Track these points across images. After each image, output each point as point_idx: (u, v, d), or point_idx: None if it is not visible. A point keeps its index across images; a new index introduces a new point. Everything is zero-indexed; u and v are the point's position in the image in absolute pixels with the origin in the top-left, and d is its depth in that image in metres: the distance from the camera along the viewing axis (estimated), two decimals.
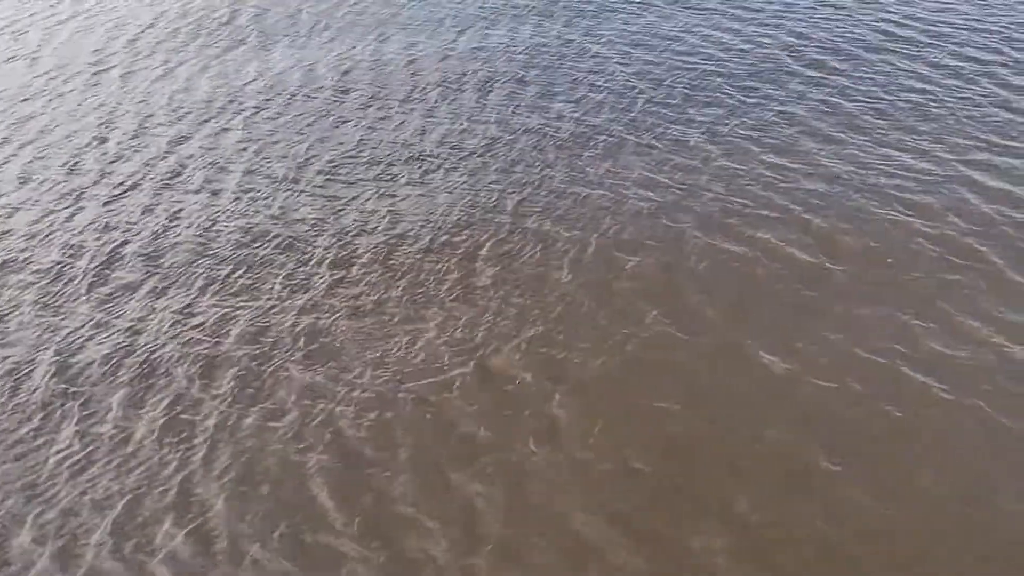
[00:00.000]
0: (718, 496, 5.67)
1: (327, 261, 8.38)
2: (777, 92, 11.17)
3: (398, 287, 7.94)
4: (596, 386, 6.66)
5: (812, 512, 5.50)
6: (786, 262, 7.90)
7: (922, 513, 5.47)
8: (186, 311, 7.87)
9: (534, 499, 5.74)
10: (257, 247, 8.73)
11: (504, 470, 5.98)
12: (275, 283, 8.13)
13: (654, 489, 5.77)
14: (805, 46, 12.52)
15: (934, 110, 10.37)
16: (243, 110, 11.81)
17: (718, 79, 11.70)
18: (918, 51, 12.03)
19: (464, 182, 9.64)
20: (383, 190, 9.64)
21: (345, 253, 8.52)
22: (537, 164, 9.90)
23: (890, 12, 13.38)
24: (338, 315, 7.66)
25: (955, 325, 6.97)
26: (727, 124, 10.52)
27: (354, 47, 13.65)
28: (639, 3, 14.48)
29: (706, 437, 6.15)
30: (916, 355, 6.70)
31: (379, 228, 8.90)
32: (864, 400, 6.33)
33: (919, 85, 11.00)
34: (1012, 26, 12.46)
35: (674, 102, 11.15)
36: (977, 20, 12.86)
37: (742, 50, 12.59)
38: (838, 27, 13.11)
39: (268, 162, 10.39)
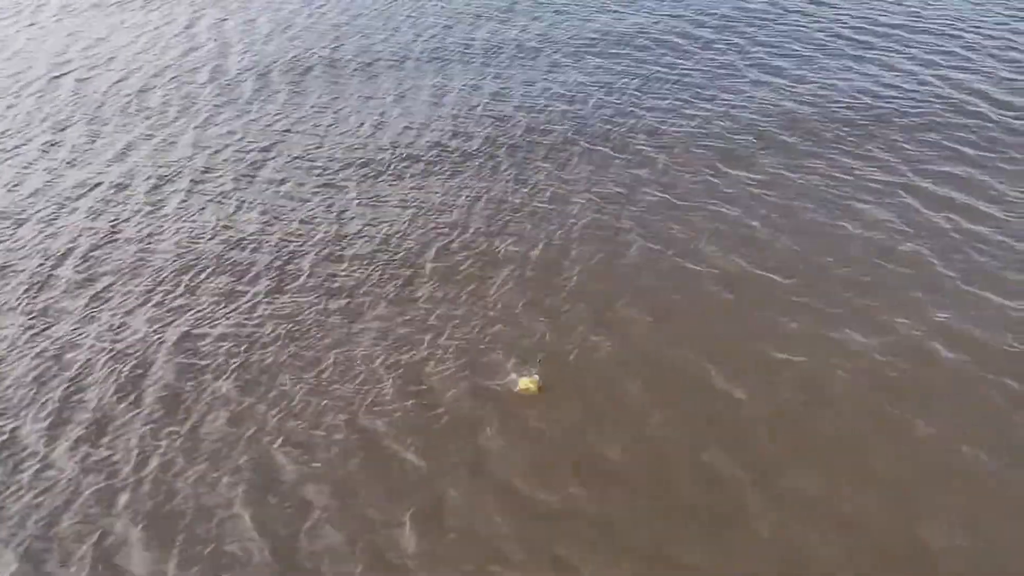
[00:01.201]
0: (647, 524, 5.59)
1: (267, 275, 8.22)
2: (723, 94, 11.22)
3: (336, 302, 7.79)
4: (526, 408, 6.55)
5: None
6: (720, 269, 7.87)
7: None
8: (119, 325, 7.67)
9: (454, 534, 5.57)
10: (198, 259, 8.58)
11: (431, 500, 5.83)
12: (210, 298, 7.98)
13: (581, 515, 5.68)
14: (753, 48, 12.57)
15: (882, 114, 10.40)
16: (196, 116, 11.69)
17: (666, 82, 11.68)
18: (866, 53, 12.09)
19: (412, 188, 9.55)
20: (328, 197, 9.52)
21: (288, 266, 8.35)
22: (487, 169, 9.84)
23: (842, 14, 13.46)
24: (273, 333, 7.49)
25: (884, 325, 6.99)
26: (672, 126, 10.53)
27: (311, 49, 13.53)
28: (593, 6, 14.53)
29: (638, 461, 6.03)
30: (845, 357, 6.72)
31: (323, 238, 8.76)
32: (787, 407, 6.32)
33: (868, 86, 11.03)
34: (966, 27, 12.58)
35: (622, 105, 11.14)
36: (927, 20, 12.98)
37: (688, 51, 12.62)
38: (788, 28, 13.16)
39: (212, 172, 10.22)
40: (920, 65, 11.57)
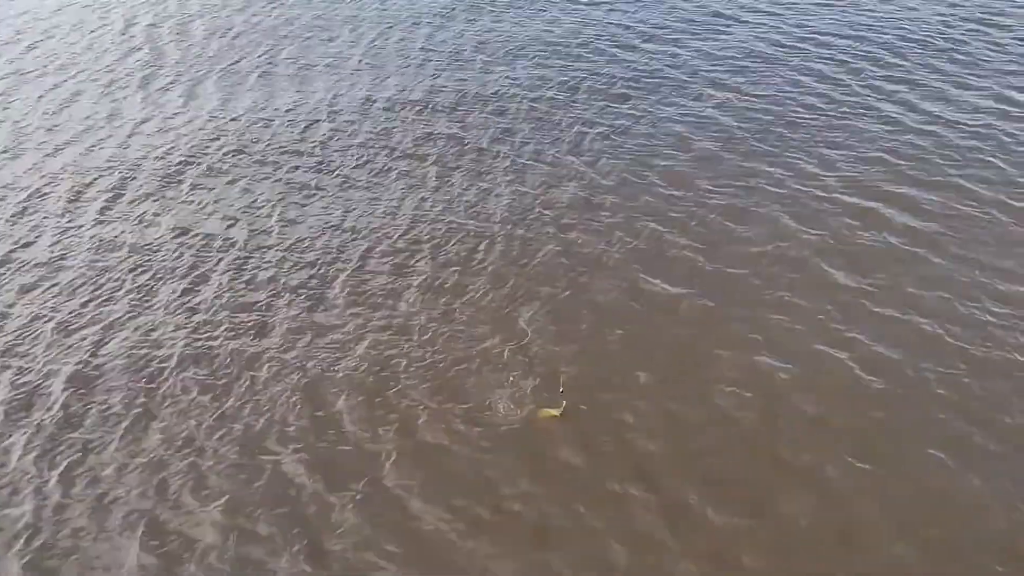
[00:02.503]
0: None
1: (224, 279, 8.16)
2: (656, 107, 11.19)
3: (286, 305, 7.76)
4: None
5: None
6: (627, 281, 7.88)
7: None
8: (64, 327, 7.63)
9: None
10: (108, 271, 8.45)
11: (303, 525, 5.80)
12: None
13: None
14: (683, 55, 12.62)
15: (810, 118, 10.46)
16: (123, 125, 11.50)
17: (593, 91, 11.71)
18: (803, 62, 12.12)
19: (332, 199, 9.45)
20: (280, 201, 9.50)
21: (242, 274, 8.33)
22: (408, 179, 9.78)
23: (783, 24, 13.51)
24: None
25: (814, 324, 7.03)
26: (598, 133, 10.57)
27: (249, 54, 13.41)
28: (534, 11, 14.49)
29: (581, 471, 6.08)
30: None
31: (275, 244, 8.72)
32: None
33: (799, 96, 11.09)
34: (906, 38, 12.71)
35: (554, 114, 11.13)
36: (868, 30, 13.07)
37: (623, 59, 12.62)
38: (724, 38, 13.19)
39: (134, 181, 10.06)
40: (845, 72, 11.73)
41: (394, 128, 11.16)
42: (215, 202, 9.52)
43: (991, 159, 9.31)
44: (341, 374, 7.06)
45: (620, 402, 6.56)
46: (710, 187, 9.23)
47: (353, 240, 8.84)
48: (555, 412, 6.45)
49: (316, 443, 6.41)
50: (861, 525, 5.44)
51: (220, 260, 8.58)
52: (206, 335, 7.57)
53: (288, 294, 8.04)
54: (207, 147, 10.76)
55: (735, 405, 6.39)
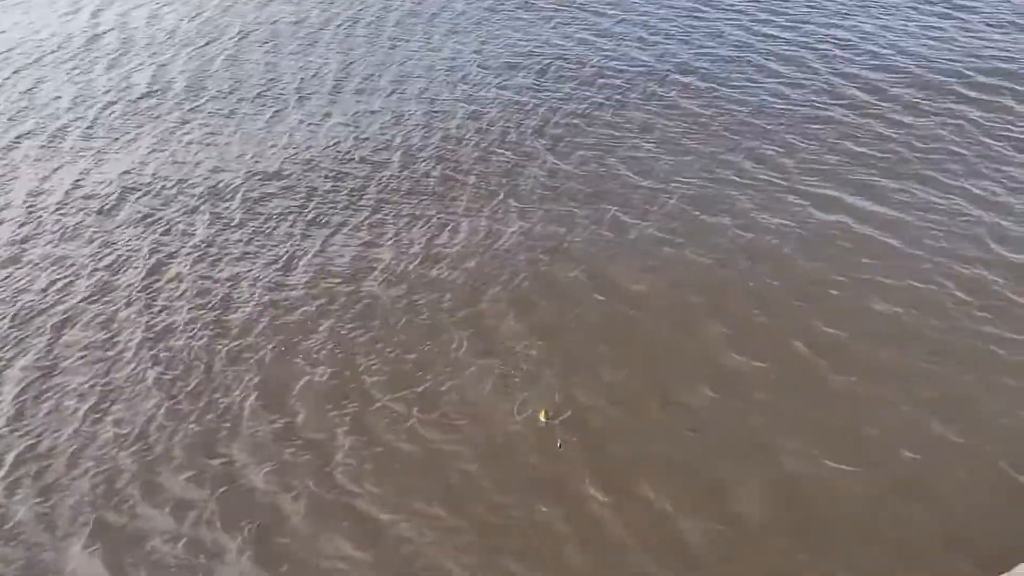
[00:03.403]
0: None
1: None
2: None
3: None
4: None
5: None
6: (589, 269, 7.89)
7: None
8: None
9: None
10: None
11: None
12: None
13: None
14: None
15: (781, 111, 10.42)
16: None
17: (564, 75, 11.59)
18: (771, 47, 12.00)
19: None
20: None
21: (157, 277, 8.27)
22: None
23: (754, 9, 13.32)
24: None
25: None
26: (562, 116, 10.47)
27: (213, 59, 13.08)
28: (501, 21, 13.94)
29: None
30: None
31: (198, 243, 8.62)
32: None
33: (766, 81, 11.01)
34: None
35: (520, 97, 11.02)
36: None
37: (593, 43, 12.45)
38: (694, 22, 13.00)
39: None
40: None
41: (358, 112, 11.08)
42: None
43: (954, 147, 9.27)
44: (299, 364, 7.01)
45: (575, 391, 6.53)
46: (674, 174, 9.14)
47: (316, 222, 8.81)
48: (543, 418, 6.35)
49: (272, 441, 6.38)
50: (825, 521, 5.42)
51: (183, 246, 8.56)
52: (164, 324, 7.55)
53: (247, 282, 8.00)
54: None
55: (700, 400, 6.34)
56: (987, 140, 9.36)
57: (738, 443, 6.02)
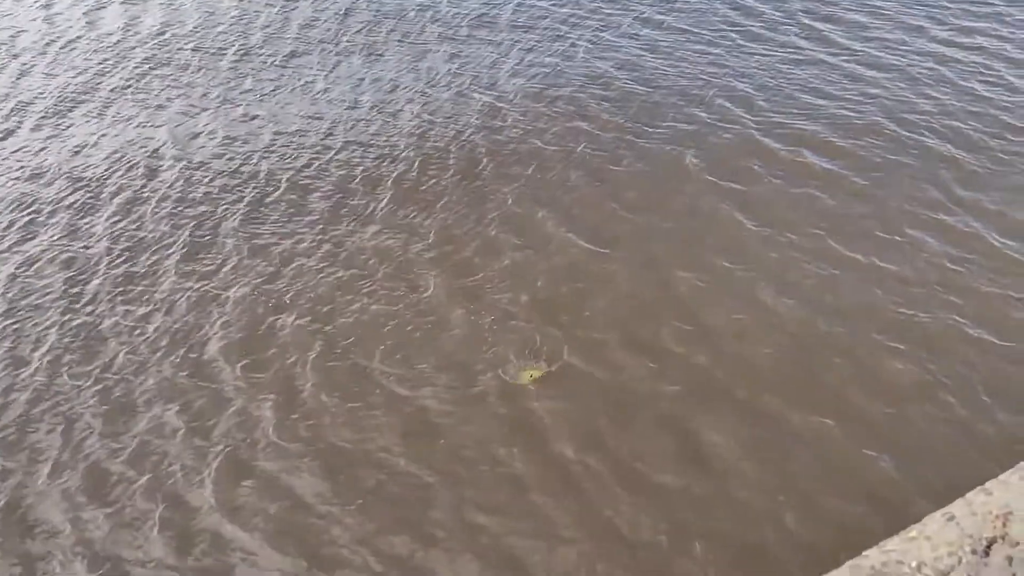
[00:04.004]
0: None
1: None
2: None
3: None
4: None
5: None
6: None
7: None
8: None
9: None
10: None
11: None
12: None
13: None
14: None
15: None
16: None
17: (520, 23, 11.36)
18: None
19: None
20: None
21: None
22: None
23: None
24: None
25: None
26: (516, 66, 10.23)
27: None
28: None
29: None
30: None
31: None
32: None
33: (728, 33, 10.77)
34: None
35: (470, 45, 10.81)
36: None
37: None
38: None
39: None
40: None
41: (304, 52, 10.83)
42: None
43: (913, 99, 9.16)
44: (224, 318, 6.77)
45: (546, 336, 6.36)
46: (629, 127, 8.87)
47: (257, 164, 8.58)
48: (535, 374, 6.06)
49: (194, 399, 6.13)
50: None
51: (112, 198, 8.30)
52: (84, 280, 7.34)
53: (177, 232, 7.76)
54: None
55: (643, 368, 6.10)
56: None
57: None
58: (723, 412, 5.68)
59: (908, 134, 8.45)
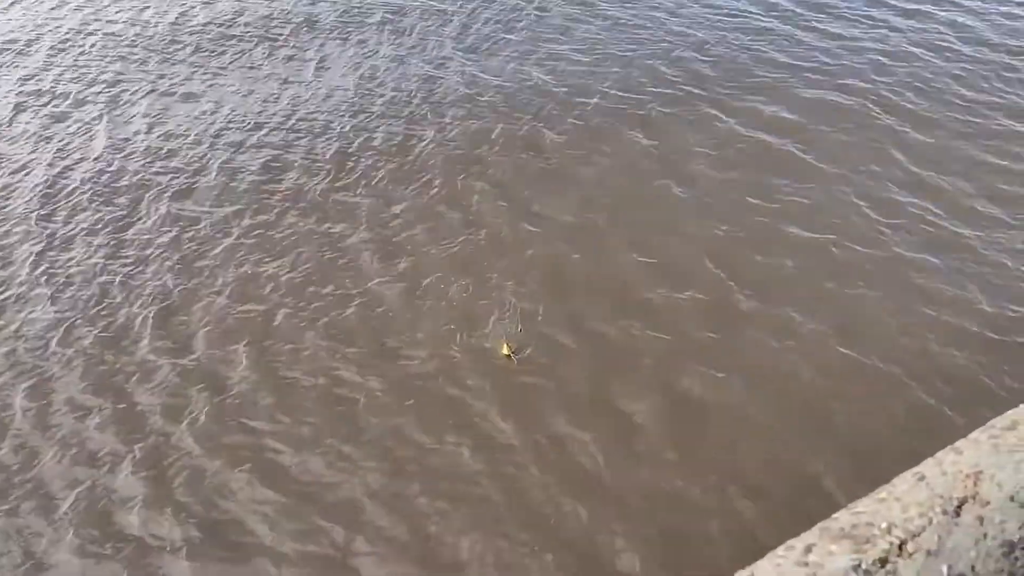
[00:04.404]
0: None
1: None
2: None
3: None
4: None
5: None
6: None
7: None
8: None
9: None
10: None
11: None
12: None
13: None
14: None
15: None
16: None
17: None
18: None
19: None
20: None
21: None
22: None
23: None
24: None
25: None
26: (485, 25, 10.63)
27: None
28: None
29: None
30: None
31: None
32: None
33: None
34: None
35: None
36: None
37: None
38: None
39: None
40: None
41: (272, 15, 11.10)
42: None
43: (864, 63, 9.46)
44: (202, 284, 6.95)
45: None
46: (598, 89, 9.21)
47: (222, 134, 8.81)
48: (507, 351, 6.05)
49: (169, 373, 6.18)
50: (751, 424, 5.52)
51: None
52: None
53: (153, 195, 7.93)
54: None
55: (613, 331, 6.33)
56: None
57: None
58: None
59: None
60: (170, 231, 7.45)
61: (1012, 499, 1.09)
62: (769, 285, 6.42)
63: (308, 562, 4.83)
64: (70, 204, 7.88)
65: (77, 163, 8.47)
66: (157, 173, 8.25)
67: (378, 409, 5.69)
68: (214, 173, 8.17)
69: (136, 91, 9.66)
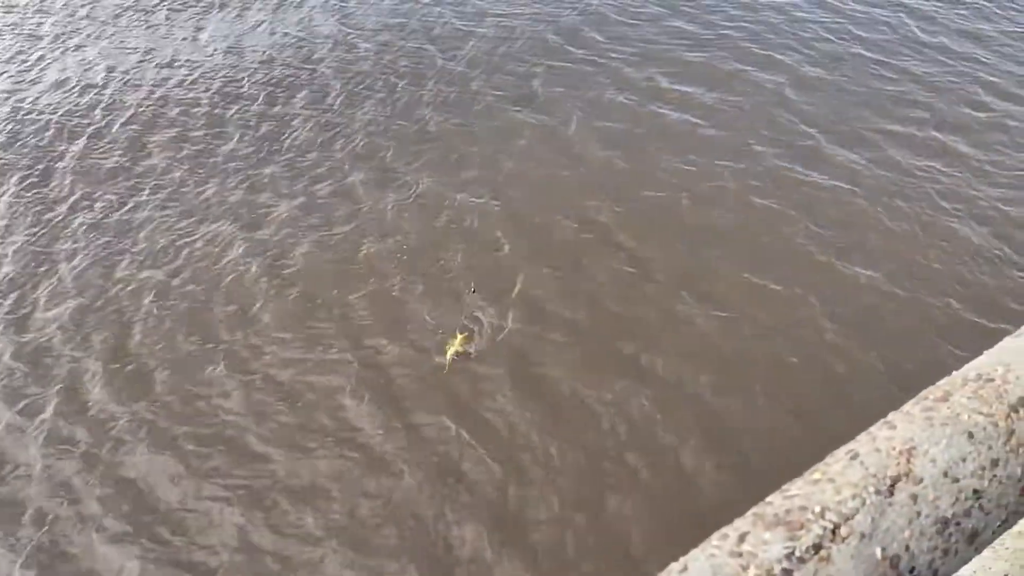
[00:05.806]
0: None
1: None
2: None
3: None
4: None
5: None
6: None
7: None
8: None
9: None
10: None
11: None
12: None
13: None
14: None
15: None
16: None
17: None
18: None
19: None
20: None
21: None
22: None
23: None
24: None
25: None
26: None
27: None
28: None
29: None
30: None
31: None
32: None
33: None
34: None
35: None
36: None
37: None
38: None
39: None
40: None
41: None
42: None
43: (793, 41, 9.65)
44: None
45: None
46: (517, 63, 9.37)
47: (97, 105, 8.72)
48: (460, 347, 5.94)
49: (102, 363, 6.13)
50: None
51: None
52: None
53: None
54: None
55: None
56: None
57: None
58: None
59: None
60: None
61: (946, 475, 1.07)
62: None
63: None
64: None
65: None
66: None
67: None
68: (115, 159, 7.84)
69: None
